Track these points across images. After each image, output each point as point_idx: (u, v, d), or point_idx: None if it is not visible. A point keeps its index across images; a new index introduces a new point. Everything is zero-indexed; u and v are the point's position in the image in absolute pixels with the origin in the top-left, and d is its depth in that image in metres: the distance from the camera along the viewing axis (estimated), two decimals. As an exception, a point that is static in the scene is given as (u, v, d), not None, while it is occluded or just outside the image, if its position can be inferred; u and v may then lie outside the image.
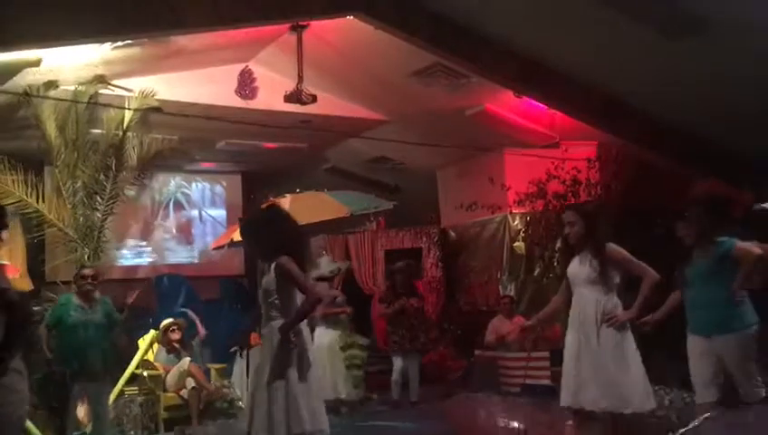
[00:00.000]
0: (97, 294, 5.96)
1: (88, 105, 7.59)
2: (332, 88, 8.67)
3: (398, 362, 7.78)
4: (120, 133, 7.86)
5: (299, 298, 4.00)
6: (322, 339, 7.38)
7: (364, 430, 6.30)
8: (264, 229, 4.17)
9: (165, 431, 6.83)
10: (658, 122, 8.29)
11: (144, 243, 11.08)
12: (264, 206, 4.75)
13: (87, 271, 5.98)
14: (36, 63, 6.67)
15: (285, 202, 8.25)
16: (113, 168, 7.88)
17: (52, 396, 5.91)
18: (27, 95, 7.21)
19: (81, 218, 7.74)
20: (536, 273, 9.44)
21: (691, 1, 5.98)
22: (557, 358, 8.25)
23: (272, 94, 8.33)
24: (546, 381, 8.20)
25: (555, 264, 9.05)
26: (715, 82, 6.90)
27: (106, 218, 7.87)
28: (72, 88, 7.53)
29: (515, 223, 9.74)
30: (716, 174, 6.20)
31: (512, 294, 9.46)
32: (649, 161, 8.62)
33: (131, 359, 7.22)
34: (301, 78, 7.88)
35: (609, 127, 8.56)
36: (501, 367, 8.71)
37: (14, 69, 6.70)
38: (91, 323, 5.78)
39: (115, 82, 7.76)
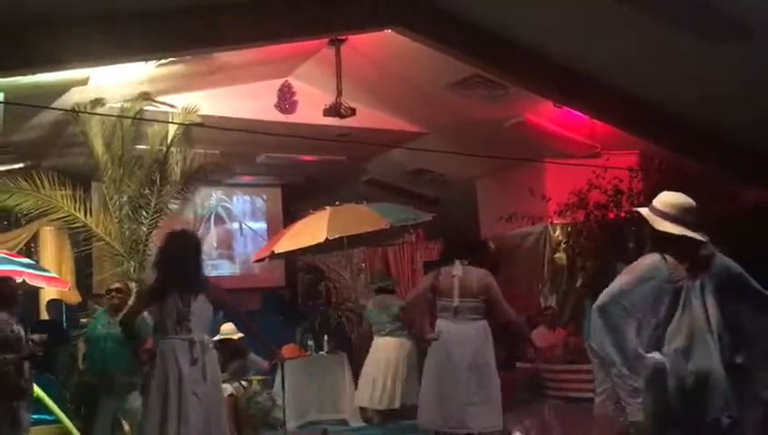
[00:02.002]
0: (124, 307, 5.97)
1: (133, 121, 7.77)
2: (371, 101, 8.72)
3: None
4: (164, 148, 8.02)
5: None
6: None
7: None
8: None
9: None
10: (703, 131, 8.13)
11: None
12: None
13: (115, 284, 6.01)
14: (84, 82, 6.86)
15: (325, 214, 8.33)
16: (158, 182, 8.03)
17: (82, 407, 6.01)
18: (75, 112, 7.41)
19: (128, 232, 7.90)
20: (578, 284, 9.31)
21: (735, 6, 5.86)
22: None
23: (311, 108, 8.42)
24: (591, 394, 8.05)
25: (598, 274, 8.92)
26: (761, 89, 6.75)
27: (151, 232, 8.01)
28: (118, 105, 7.72)
29: (556, 234, 9.63)
30: (763, 183, 6.07)
31: (553, 305, 9.35)
32: (694, 171, 8.45)
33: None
34: (340, 91, 7.95)
35: (652, 136, 8.42)
36: (544, 379, 8.61)
37: (62, 88, 6.91)
38: (111, 335, 5.70)
39: (159, 98, 7.93)
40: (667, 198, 3.20)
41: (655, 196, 8.72)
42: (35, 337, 5.42)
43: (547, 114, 8.87)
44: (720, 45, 6.34)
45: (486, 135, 8.98)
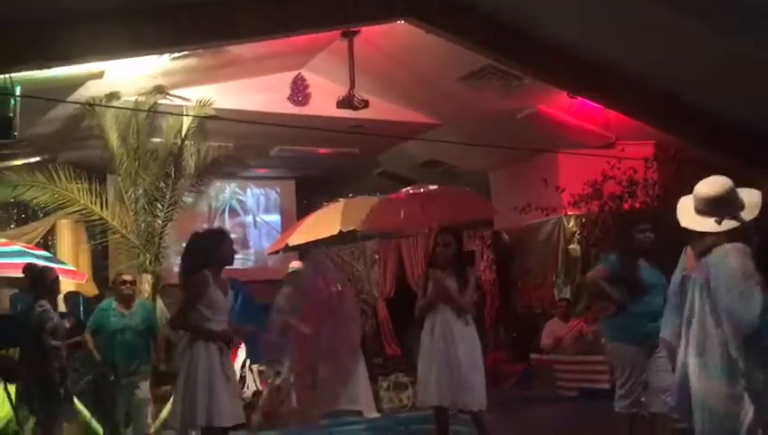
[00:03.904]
0: (136, 298, 6.09)
1: (148, 115, 7.82)
2: (384, 93, 8.71)
3: None
4: (179, 142, 8.07)
5: None
6: None
7: (415, 433, 6.29)
8: None
9: None
10: (719, 120, 8.06)
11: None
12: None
13: (126, 276, 6.03)
14: (99, 76, 6.91)
15: (338, 207, 8.34)
16: (172, 175, 8.09)
17: (100, 397, 6.07)
18: (91, 106, 7.47)
19: (143, 225, 7.97)
20: (592, 275, 9.28)
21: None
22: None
23: (324, 100, 8.43)
24: (605, 386, 8.06)
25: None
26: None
27: (166, 224, 8.08)
28: (133, 98, 7.78)
29: (570, 225, 9.60)
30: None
31: (568, 296, 9.33)
32: (711, 161, 8.38)
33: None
34: (352, 83, 7.95)
35: (667, 126, 8.36)
36: (558, 371, 8.61)
37: (78, 81, 6.96)
38: (128, 327, 5.81)
39: (173, 91, 7.98)
40: (696, 187, 3.10)
41: (670, 186, 8.66)
42: (67, 323, 5.50)
43: (560, 105, 8.82)
44: (735, 35, 6.27)
45: (499, 126, 8.95)
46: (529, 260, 10.19)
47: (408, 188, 8.01)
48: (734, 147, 8.20)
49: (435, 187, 8.04)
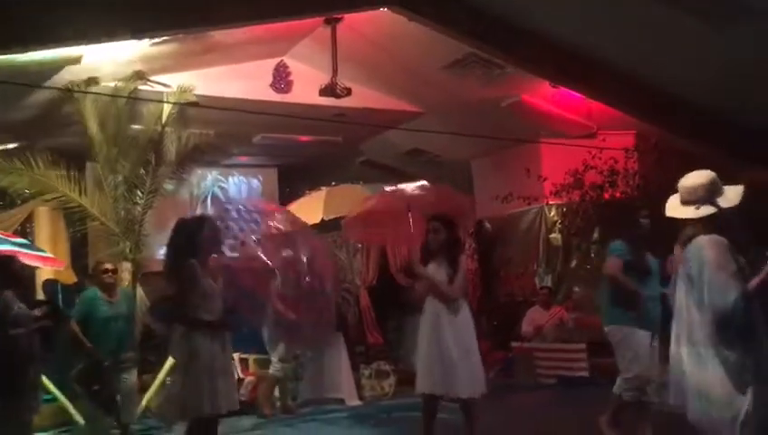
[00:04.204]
0: (118, 286, 6.11)
1: (127, 101, 7.73)
2: (367, 81, 8.67)
3: None
4: (159, 128, 7.99)
5: None
6: None
7: (404, 422, 6.32)
8: None
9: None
10: (700, 111, 8.11)
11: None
12: None
13: (107, 264, 6.02)
14: (77, 61, 6.81)
15: (321, 195, 8.31)
16: (153, 162, 8.01)
17: (92, 386, 6.04)
18: (69, 91, 7.36)
19: (123, 212, 7.89)
20: (573, 264, 9.35)
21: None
22: (594, 350, 8.24)
23: (307, 88, 8.37)
24: (583, 373, 8.15)
25: (592, 255, 8.96)
26: (760, 70, 6.72)
27: (146, 212, 8.00)
28: (112, 84, 7.67)
29: (552, 214, 9.66)
30: (763, 163, 6.07)
31: (549, 285, 9.40)
32: (692, 152, 8.45)
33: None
34: (335, 71, 7.90)
35: (649, 116, 8.42)
36: (538, 358, 8.68)
37: (55, 66, 6.85)
38: (119, 315, 5.85)
39: (154, 77, 7.88)
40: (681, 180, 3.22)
41: (650, 176, 8.74)
42: (38, 311, 5.46)
43: (543, 94, 8.84)
44: (717, 27, 6.31)
45: (482, 115, 8.96)
46: (511, 249, 10.23)
47: (387, 189, 7.85)
48: (714, 138, 8.27)
49: (414, 187, 7.98)
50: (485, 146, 9.72)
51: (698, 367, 2.97)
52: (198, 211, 11.31)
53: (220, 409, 4.15)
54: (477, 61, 7.97)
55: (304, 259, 5.27)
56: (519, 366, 8.91)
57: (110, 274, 5.90)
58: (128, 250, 7.78)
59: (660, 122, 8.41)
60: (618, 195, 8.68)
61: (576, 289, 9.31)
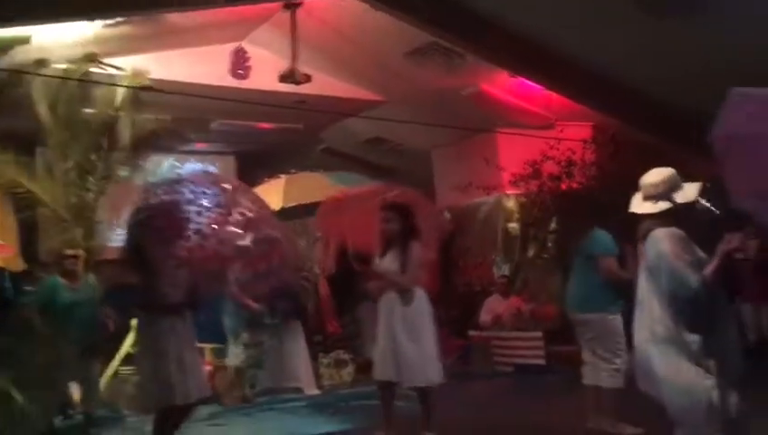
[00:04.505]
0: (82, 274, 6.08)
1: (79, 84, 7.50)
2: (327, 67, 8.59)
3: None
4: (112, 112, 7.78)
5: None
6: None
7: (363, 410, 6.31)
8: None
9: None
10: (657, 104, 8.25)
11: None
12: None
13: (71, 251, 6.03)
14: (26, 41, 6.59)
15: (280, 183, 8.22)
16: (105, 147, 7.81)
17: (51, 376, 5.94)
18: (17, 72, 7.11)
19: (74, 199, 7.68)
20: (530, 253, 9.45)
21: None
22: (550, 338, 8.35)
23: (266, 74, 8.25)
24: (539, 361, 8.25)
25: (549, 244, 9.07)
26: (716, 63, 6.83)
27: (98, 199, 7.81)
28: (63, 66, 7.45)
29: (510, 204, 9.73)
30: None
31: (507, 274, 9.48)
32: (648, 144, 8.59)
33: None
34: (295, 57, 7.80)
35: (605, 108, 8.52)
36: (495, 347, 8.76)
37: (3, 47, 6.62)
38: (82, 302, 5.84)
39: (107, 60, 7.67)
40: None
41: (607, 167, 8.88)
42: None
43: (503, 84, 8.88)
44: (674, 19, 6.40)
45: (443, 104, 8.96)
46: (469, 239, 10.29)
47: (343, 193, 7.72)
48: (669, 130, 8.43)
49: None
50: (446, 135, 9.74)
51: (661, 356, 3.05)
52: (155, 197, 11.12)
53: (190, 397, 4.11)
54: (438, 49, 7.97)
55: (266, 243, 5.18)
56: (477, 354, 8.99)
57: (72, 260, 5.86)
58: (79, 237, 7.57)
59: (617, 114, 8.53)
60: (574, 186, 8.78)
61: (533, 279, 9.42)
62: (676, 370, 3.02)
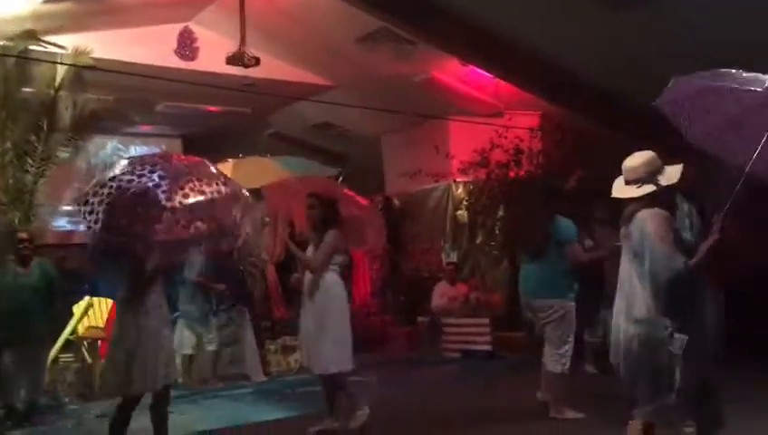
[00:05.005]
0: (33, 258, 5.96)
1: (17, 61, 7.22)
2: (276, 51, 8.48)
3: None
4: (52, 92, 7.52)
5: None
6: None
7: (309, 397, 6.30)
8: None
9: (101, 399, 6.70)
10: (603, 94, 8.37)
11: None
12: None
13: (23, 234, 5.95)
14: (-41, 15, 6.30)
15: (227, 167, 8.05)
16: (45, 128, 7.55)
17: None
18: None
19: (11, 180, 7.41)
20: (478, 241, 9.55)
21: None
22: (497, 324, 8.48)
23: (213, 56, 8.10)
24: (486, 347, 8.38)
25: (497, 232, 9.18)
26: (661, 54, 6.97)
27: (38, 181, 7.55)
28: (1, 43, 7.15)
29: (459, 191, 9.81)
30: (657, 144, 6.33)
31: (455, 261, 9.57)
32: (594, 132, 8.73)
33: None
34: (243, 40, 7.67)
35: (553, 97, 8.63)
36: (443, 333, 8.85)
37: (-66, 21, 6.32)
38: (26, 286, 5.74)
39: (47, 38, 7.39)
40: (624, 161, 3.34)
41: (553, 155, 9.00)
42: None
43: (453, 72, 8.91)
44: (621, 9, 6.51)
45: (393, 91, 8.94)
46: (418, 225, 10.34)
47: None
48: (617, 120, 8.57)
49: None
50: (395, 122, 9.73)
51: (637, 334, 3.12)
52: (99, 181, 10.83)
53: (157, 385, 4.09)
54: (389, 35, 7.94)
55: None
56: (424, 341, 9.07)
57: (25, 244, 5.79)
58: (17, 221, 7.32)
59: (565, 104, 8.64)
60: (522, 173, 8.90)
61: (481, 265, 9.53)
62: (649, 348, 3.08)
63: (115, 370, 4.03)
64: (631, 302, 3.16)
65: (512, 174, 8.96)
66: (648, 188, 3.19)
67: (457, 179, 9.65)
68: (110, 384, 4.13)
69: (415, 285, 10.02)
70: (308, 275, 5.01)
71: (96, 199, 3.99)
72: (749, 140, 2.97)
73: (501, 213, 9.21)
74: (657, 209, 3.16)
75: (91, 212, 3.97)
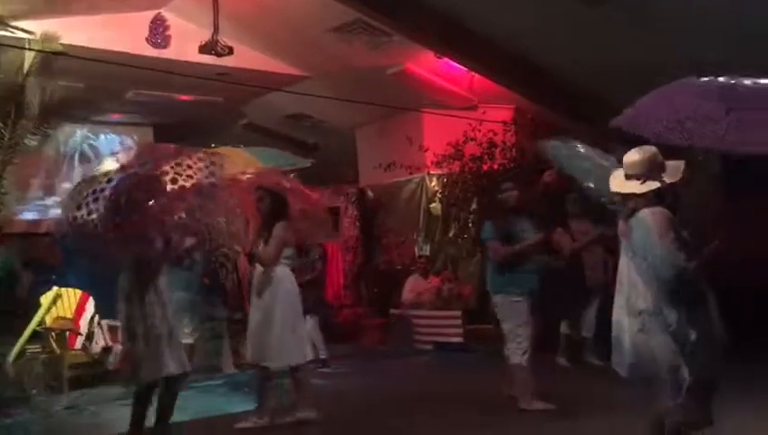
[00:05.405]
0: None
1: (-17, 47, 7.07)
2: (250, 40, 8.41)
3: None
4: (20, 78, 7.36)
5: None
6: None
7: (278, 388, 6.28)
8: None
9: (70, 391, 6.61)
10: (577, 89, 8.44)
11: (47, 196, 10.54)
12: None
13: None
14: (-77, -1, 6.13)
15: (199, 157, 7.98)
16: (12, 115, 7.39)
17: None
18: None
19: (-24, 168, 7.26)
20: (451, 234, 9.59)
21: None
22: (469, 317, 8.53)
23: (186, 44, 8.02)
24: (458, 339, 8.43)
25: (470, 225, 9.23)
26: (630, 50, 7.04)
27: (5, 168, 7.41)
28: (-36, 27, 7.00)
29: (433, 184, 9.83)
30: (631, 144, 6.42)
31: (427, 254, 9.60)
32: (568, 127, 8.79)
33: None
34: (216, 28, 7.59)
35: (527, 91, 8.68)
36: (415, 325, 8.88)
37: None
38: None
39: (14, 23, 7.25)
40: (625, 155, 3.32)
41: (526, 149, 9.08)
42: None
43: (428, 65, 8.91)
44: (595, 8, 6.56)
45: (367, 82, 8.92)
46: (392, 217, 10.35)
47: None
48: (591, 115, 8.63)
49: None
50: (370, 114, 9.71)
51: (641, 333, 3.15)
52: (65, 169, 10.69)
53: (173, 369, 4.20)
54: (363, 27, 7.91)
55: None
56: (396, 333, 9.10)
57: None
58: (-18, 209, 7.19)
59: (539, 99, 8.70)
60: (495, 167, 8.95)
61: (453, 258, 9.57)
62: (653, 347, 3.11)
63: (142, 356, 4.07)
64: (632, 297, 3.18)
65: (485, 167, 9.01)
66: (653, 185, 3.17)
67: (431, 172, 9.67)
68: (139, 370, 4.12)
69: (388, 278, 10.04)
70: (258, 269, 5.02)
71: (94, 189, 4.03)
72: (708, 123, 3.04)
73: (474, 206, 9.25)
74: (660, 208, 3.16)
75: (95, 200, 3.97)
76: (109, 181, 4.04)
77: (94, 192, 3.99)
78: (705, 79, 3.20)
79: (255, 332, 5.01)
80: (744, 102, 3.07)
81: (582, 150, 3.78)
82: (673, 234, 3.10)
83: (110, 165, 4.31)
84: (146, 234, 4.07)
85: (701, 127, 3.00)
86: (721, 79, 3.20)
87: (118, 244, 4.08)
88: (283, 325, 4.93)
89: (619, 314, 3.26)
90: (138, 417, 4.29)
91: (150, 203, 4.05)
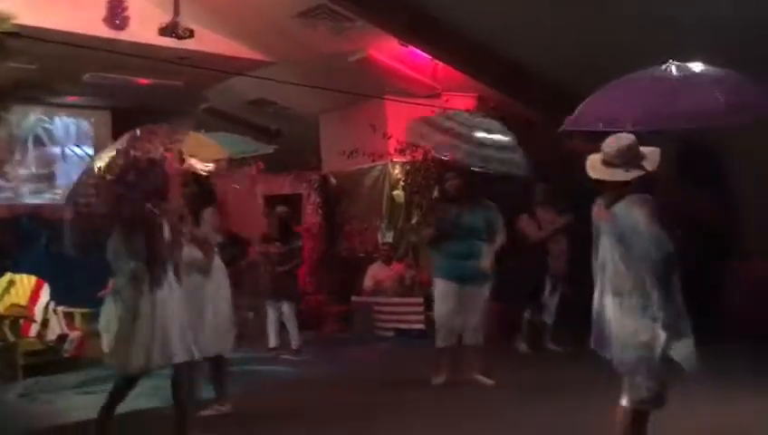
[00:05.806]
0: None
1: (-69, 25, 6.80)
2: (212, 23, 8.27)
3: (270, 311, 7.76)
4: (-29, 59, 7.13)
5: None
6: None
7: (243, 376, 6.24)
8: None
9: (24, 378, 6.47)
10: (540, 79, 8.50)
11: (-1, 180, 10.27)
12: None
13: None
14: None
15: (159, 142, 7.84)
16: (-37, 96, 7.16)
17: None
18: None
19: (-74, 151, 7.03)
20: (414, 221, 9.61)
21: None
22: (431, 304, 8.55)
23: (145, 26, 7.83)
24: (420, 326, 8.48)
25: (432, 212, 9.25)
26: (598, 40, 7.09)
27: (-45, 152, 7.19)
28: None
29: (396, 171, 9.82)
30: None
31: (390, 241, 9.61)
32: (530, 116, 8.88)
33: None
34: (177, 10, 7.45)
35: (490, 80, 8.72)
36: (376, 312, 8.91)
37: None
38: None
39: (-36, 1, 6.99)
40: (606, 143, 3.38)
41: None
42: None
43: (392, 52, 8.88)
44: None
45: (330, 69, 8.85)
46: (355, 205, 10.33)
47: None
48: (551, 105, 8.71)
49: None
50: (334, 100, 9.65)
51: (622, 315, 3.23)
52: (19, 153, 10.43)
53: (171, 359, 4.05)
54: (327, 12, 7.84)
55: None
56: (358, 320, 9.11)
57: None
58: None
59: (502, 88, 8.75)
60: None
61: (415, 246, 9.60)
62: (634, 329, 3.19)
63: (145, 344, 3.96)
64: (615, 279, 3.26)
65: (448, 156, 9.01)
66: (637, 173, 3.26)
67: (394, 159, 9.66)
68: (142, 358, 4.01)
69: (351, 265, 10.03)
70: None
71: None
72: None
73: (436, 193, 9.27)
74: (643, 194, 3.26)
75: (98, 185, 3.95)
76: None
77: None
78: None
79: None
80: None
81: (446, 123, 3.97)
82: (657, 219, 3.21)
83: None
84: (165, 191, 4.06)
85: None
86: None
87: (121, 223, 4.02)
88: (217, 314, 4.92)
89: (602, 296, 3.34)
90: (115, 401, 4.17)
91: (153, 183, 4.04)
